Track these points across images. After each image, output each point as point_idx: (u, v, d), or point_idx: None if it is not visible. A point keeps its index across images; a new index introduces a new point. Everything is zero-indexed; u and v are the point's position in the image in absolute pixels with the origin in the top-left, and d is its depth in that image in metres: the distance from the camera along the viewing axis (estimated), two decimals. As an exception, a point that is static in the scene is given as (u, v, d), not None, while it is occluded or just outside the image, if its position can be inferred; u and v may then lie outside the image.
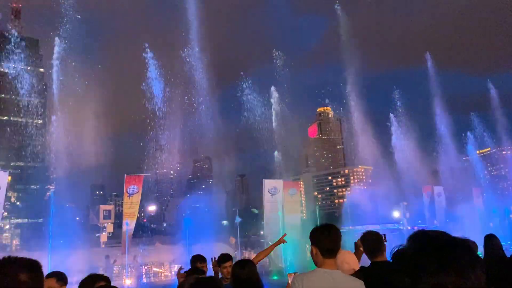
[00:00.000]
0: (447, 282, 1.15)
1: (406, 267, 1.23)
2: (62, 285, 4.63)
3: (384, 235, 5.07)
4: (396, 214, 54.27)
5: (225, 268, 6.08)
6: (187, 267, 7.20)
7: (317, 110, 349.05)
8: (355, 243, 4.87)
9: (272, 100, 44.24)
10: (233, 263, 5.32)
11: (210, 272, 6.65)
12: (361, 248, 4.97)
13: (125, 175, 22.74)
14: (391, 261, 1.38)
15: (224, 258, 6.40)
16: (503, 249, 5.77)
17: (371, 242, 4.59)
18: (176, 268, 21.73)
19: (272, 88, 42.74)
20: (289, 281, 3.67)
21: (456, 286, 1.15)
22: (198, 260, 6.44)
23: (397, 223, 52.85)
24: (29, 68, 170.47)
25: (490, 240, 5.63)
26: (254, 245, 53.24)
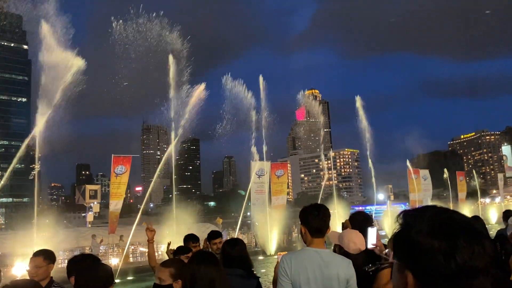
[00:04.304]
0: (474, 251, 1.14)
1: (429, 250, 1.15)
2: (50, 263, 4.56)
3: (371, 215, 5.13)
4: (380, 196, 54.99)
5: (215, 245, 6.14)
6: (174, 246, 7.21)
7: (305, 93, 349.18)
8: (343, 223, 4.91)
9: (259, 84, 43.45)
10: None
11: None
12: (349, 228, 5.03)
13: (112, 155, 22.53)
14: (394, 243, 1.29)
15: (214, 234, 6.46)
16: (487, 229, 5.93)
17: (359, 223, 4.63)
18: (163, 248, 21.78)
19: (260, 76, 41.60)
20: (279, 260, 3.70)
21: (478, 255, 1.14)
22: (191, 239, 6.45)
23: (383, 205, 53.67)
24: (12, 44, 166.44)
25: (475, 221, 5.74)
26: (241, 226, 53.66)
